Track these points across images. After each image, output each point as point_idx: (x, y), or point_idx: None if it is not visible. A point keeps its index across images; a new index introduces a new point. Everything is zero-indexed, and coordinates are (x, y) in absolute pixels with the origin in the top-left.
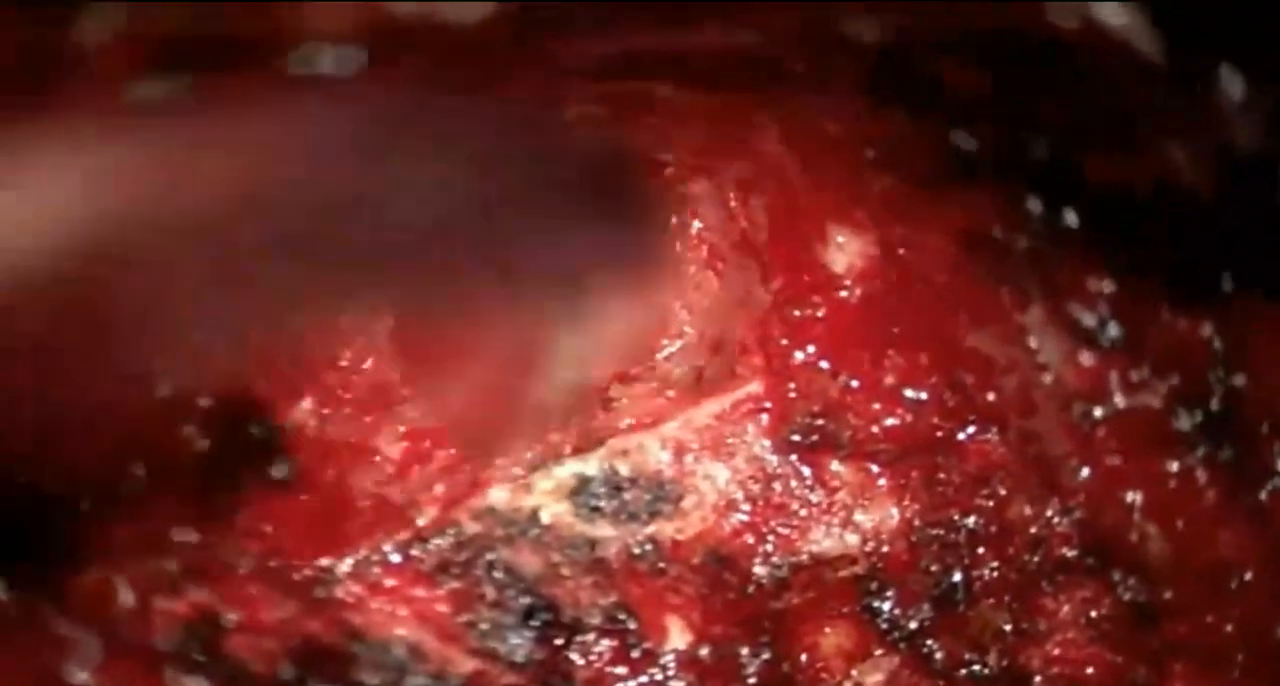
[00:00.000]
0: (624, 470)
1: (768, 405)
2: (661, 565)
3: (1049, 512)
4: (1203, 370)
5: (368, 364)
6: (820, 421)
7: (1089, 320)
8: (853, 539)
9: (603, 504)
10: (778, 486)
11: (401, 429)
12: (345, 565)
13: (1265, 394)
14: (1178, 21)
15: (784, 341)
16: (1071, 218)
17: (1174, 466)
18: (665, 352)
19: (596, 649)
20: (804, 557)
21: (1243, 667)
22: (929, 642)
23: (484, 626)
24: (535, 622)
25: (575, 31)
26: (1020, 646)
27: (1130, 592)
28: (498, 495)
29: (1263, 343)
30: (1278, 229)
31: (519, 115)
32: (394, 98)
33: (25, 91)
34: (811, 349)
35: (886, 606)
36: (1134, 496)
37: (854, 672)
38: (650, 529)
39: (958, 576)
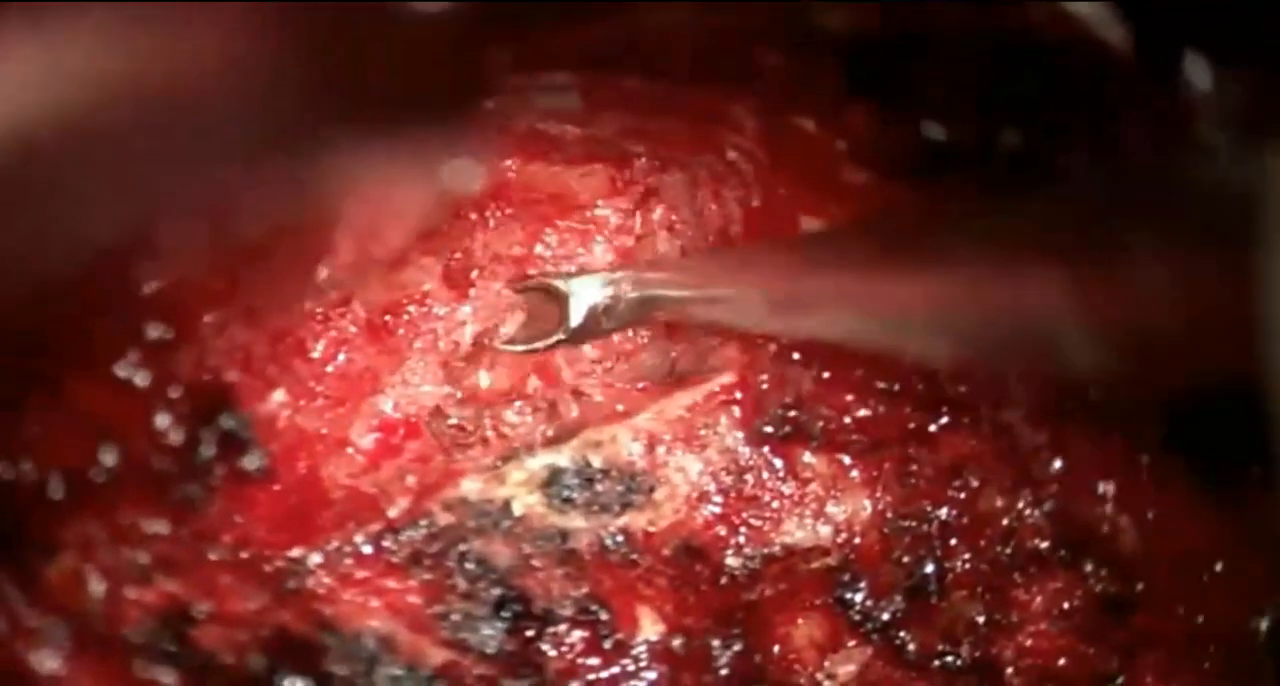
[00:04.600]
0: (596, 461)
1: (740, 396)
2: (633, 556)
3: (1021, 504)
4: None
5: (340, 356)
6: (793, 413)
7: None
8: (825, 530)
9: (575, 495)
10: (750, 478)
11: (374, 421)
12: (317, 556)
13: None
14: (1145, 12)
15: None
16: None
17: (1146, 458)
18: (638, 343)
19: (568, 640)
20: (776, 549)
21: (1214, 659)
22: (901, 634)
23: (455, 617)
24: (507, 614)
25: (543, 23)
26: (992, 637)
27: (1102, 584)
28: (470, 486)
29: None
30: None
31: None
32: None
33: None
34: (784, 340)
35: (859, 597)
36: (1106, 488)
37: (826, 664)
38: (622, 520)
39: (930, 568)
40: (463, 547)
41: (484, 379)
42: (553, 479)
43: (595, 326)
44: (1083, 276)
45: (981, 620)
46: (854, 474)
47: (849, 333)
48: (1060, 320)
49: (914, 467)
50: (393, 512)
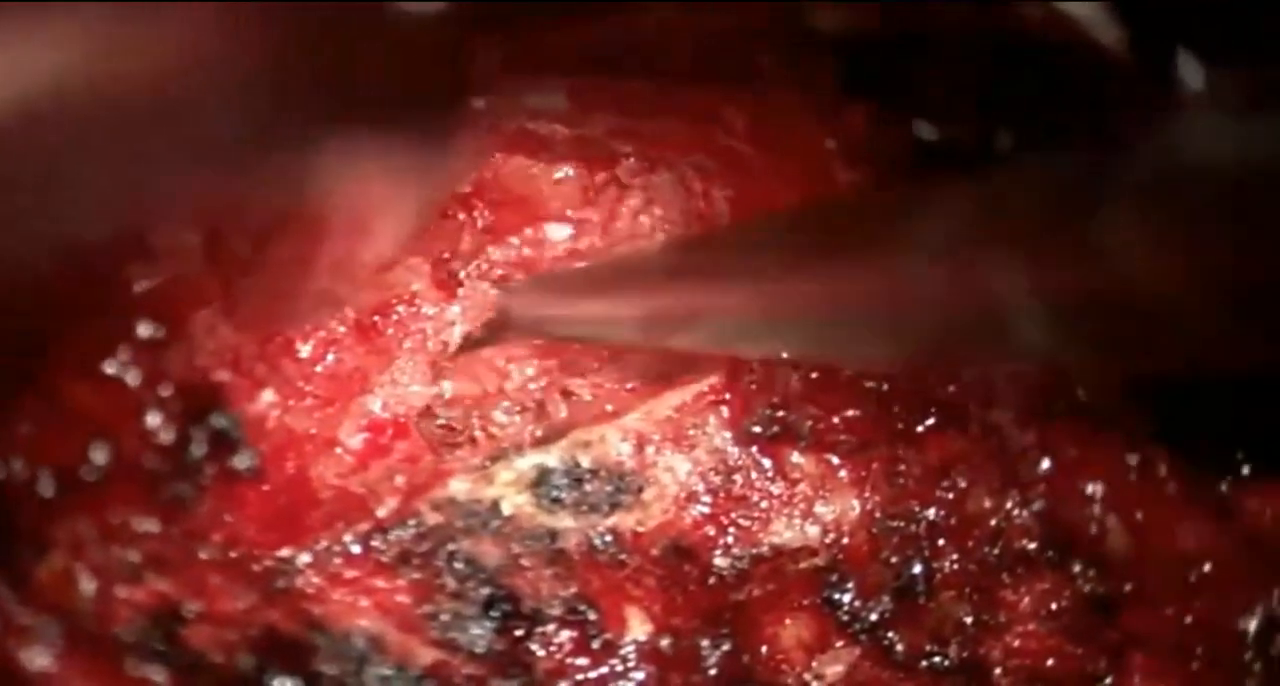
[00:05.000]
0: (585, 461)
1: (728, 397)
2: (622, 556)
3: (1009, 504)
4: None
5: (329, 356)
6: (781, 413)
7: None
8: (813, 530)
9: (564, 495)
10: (738, 478)
11: (363, 421)
12: (306, 556)
13: None
14: (1139, 12)
15: None
16: None
17: (1134, 459)
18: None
19: (557, 639)
20: (764, 549)
21: (1202, 659)
22: (889, 634)
23: (444, 617)
24: (496, 613)
25: (535, 24)
26: (980, 638)
27: (1090, 584)
28: (458, 486)
29: None
30: None
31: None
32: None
33: None
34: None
35: (847, 598)
36: (1094, 488)
37: (814, 664)
38: (611, 520)
39: (918, 568)
40: (451, 547)
41: (473, 379)
42: (541, 479)
43: None
44: (1046, 257)
45: (969, 620)
46: (842, 474)
47: (745, 342)
48: (1021, 305)
49: (902, 468)
50: (381, 512)
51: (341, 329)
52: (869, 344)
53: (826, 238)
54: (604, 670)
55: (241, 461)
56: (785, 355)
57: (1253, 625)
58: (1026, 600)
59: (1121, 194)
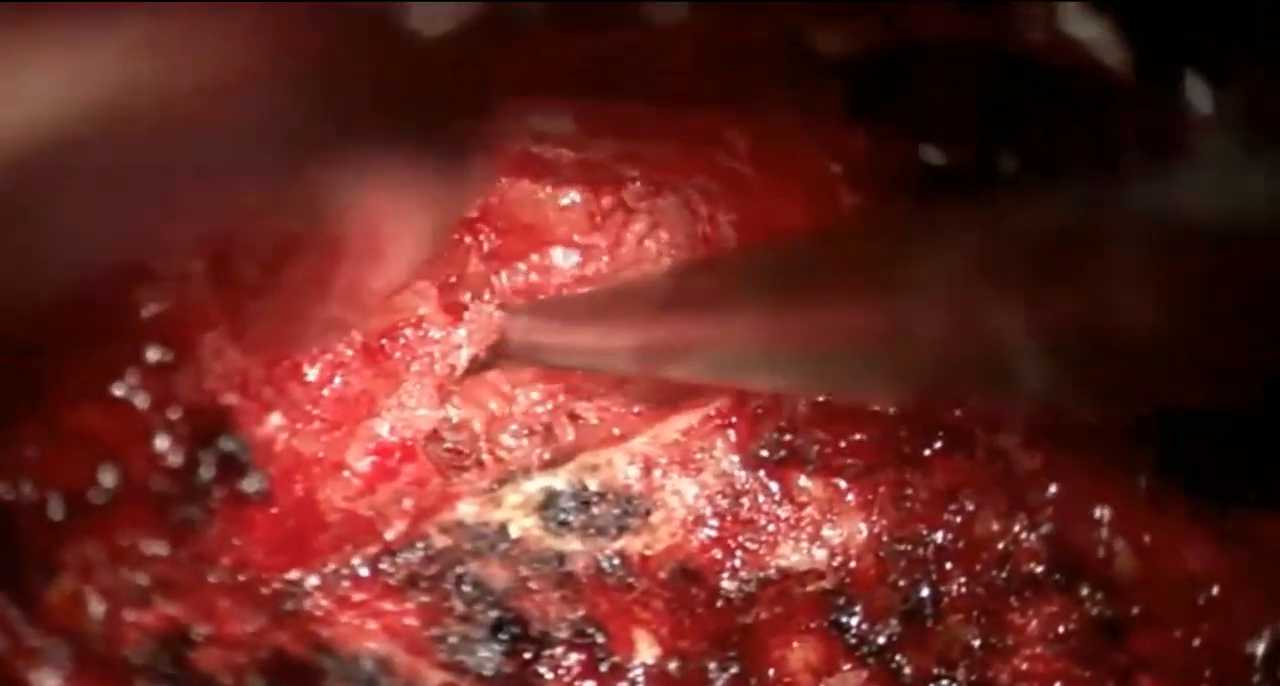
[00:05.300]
0: (592, 485)
1: (735, 420)
2: (630, 579)
3: (1016, 528)
4: None
5: (336, 379)
6: (788, 437)
7: None
8: (820, 554)
9: (571, 518)
10: (745, 501)
11: (370, 444)
12: (314, 578)
13: None
14: (1145, 35)
15: None
16: None
17: (1141, 482)
18: None
19: (565, 662)
20: (772, 572)
21: (1210, 682)
22: (897, 657)
23: (452, 639)
24: (504, 636)
25: (542, 47)
26: (988, 661)
27: (1098, 608)
28: (466, 509)
29: None
30: None
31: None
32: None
33: None
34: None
35: (854, 621)
36: (1101, 511)
37: None
38: (618, 543)
39: (925, 591)
40: (459, 570)
41: (479, 402)
42: (549, 502)
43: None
44: (1048, 289)
45: (977, 643)
46: (849, 498)
47: (742, 374)
48: (1022, 342)
49: (909, 491)
50: (389, 535)
51: (349, 352)
52: (868, 379)
53: (827, 268)
54: None
55: (250, 484)
56: (782, 389)
57: (1260, 648)
58: (1034, 623)
59: (1124, 222)
